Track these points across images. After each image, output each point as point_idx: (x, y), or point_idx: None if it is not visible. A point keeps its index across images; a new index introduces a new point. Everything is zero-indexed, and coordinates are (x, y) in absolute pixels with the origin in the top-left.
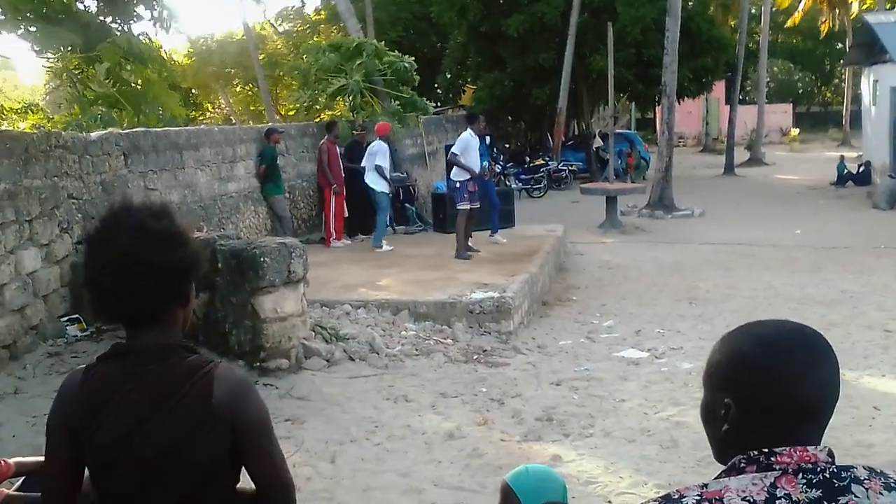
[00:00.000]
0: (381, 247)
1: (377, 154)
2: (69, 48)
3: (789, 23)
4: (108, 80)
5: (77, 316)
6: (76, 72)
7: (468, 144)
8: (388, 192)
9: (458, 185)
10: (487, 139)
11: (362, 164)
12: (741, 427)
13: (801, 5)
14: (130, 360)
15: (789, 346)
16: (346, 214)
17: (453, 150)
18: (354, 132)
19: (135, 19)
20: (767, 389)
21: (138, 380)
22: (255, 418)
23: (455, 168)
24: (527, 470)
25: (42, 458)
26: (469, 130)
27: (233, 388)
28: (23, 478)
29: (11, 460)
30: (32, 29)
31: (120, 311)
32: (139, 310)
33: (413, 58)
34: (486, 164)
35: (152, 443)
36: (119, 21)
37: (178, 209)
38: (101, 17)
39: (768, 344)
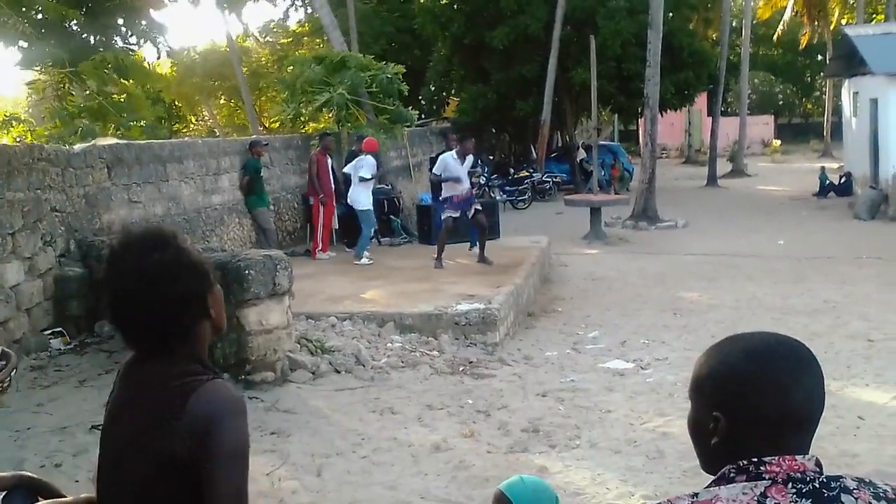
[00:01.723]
0: (362, 259)
1: (363, 167)
2: (52, 63)
3: (778, 35)
4: (89, 94)
5: (60, 329)
6: (60, 84)
7: (447, 165)
8: (369, 208)
9: (442, 199)
10: (470, 158)
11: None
12: (731, 439)
13: (784, 18)
14: (141, 362)
15: (776, 358)
16: (337, 226)
17: (434, 170)
18: (358, 141)
19: (118, 39)
20: (756, 401)
21: (141, 382)
22: (224, 441)
23: (443, 186)
24: (522, 480)
25: (22, 473)
26: (452, 152)
27: (214, 405)
28: (3, 493)
29: None
30: (22, 44)
31: (133, 344)
32: (148, 345)
33: (402, 67)
34: (469, 188)
35: (121, 433)
36: (102, 38)
37: (162, 221)
38: (85, 34)
39: (755, 356)
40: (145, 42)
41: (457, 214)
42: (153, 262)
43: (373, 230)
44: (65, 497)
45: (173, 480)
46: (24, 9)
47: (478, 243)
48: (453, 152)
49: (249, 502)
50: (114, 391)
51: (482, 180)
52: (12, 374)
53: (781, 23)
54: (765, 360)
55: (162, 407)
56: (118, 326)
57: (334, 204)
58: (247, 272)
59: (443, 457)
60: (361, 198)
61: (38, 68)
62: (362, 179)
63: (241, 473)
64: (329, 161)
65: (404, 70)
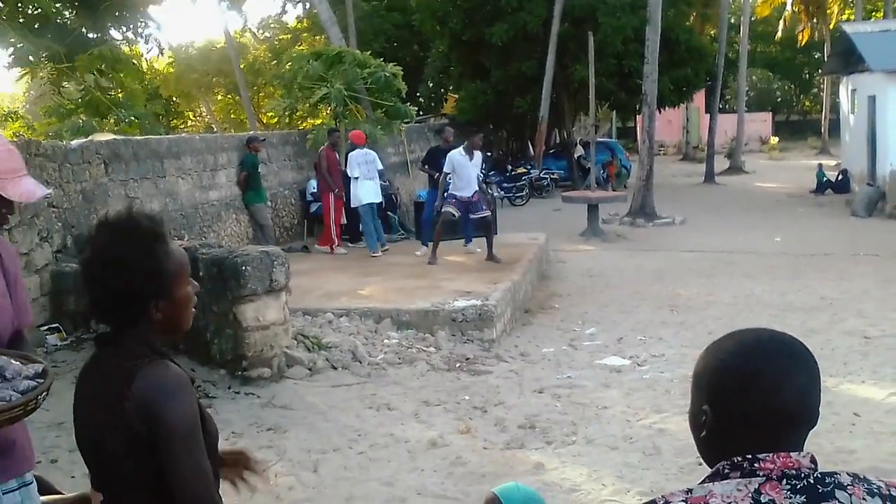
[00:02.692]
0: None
1: (375, 160)
2: (49, 57)
3: (778, 36)
4: (84, 88)
5: (57, 325)
6: (55, 79)
7: (455, 164)
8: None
9: (445, 196)
10: (478, 155)
11: (354, 175)
12: (719, 433)
13: (783, 18)
14: (97, 350)
15: (767, 354)
16: (345, 220)
17: (445, 169)
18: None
19: (113, 31)
20: (743, 396)
21: (94, 369)
22: (170, 423)
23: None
24: (517, 486)
25: None
26: (460, 149)
27: (154, 387)
28: None
29: None
30: (13, 39)
31: (89, 308)
32: (97, 311)
33: (400, 67)
34: (477, 192)
35: (86, 430)
36: (97, 33)
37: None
38: (83, 29)
39: (746, 351)
40: (141, 39)
41: (457, 213)
42: (116, 248)
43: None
44: (61, 493)
45: (141, 454)
46: (19, 4)
47: (473, 240)
48: (461, 149)
49: (245, 498)
50: (77, 389)
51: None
52: (41, 397)
53: (781, 19)
54: (754, 356)
55: (113, 389)
56: (86, 291)
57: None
58: (243, 268)
59: (439, 453)
60: (378, 192)
61: (33, 62)
62: (381, 173)
63: (194, 450)
64: (337, 156)
65: (402, 72)
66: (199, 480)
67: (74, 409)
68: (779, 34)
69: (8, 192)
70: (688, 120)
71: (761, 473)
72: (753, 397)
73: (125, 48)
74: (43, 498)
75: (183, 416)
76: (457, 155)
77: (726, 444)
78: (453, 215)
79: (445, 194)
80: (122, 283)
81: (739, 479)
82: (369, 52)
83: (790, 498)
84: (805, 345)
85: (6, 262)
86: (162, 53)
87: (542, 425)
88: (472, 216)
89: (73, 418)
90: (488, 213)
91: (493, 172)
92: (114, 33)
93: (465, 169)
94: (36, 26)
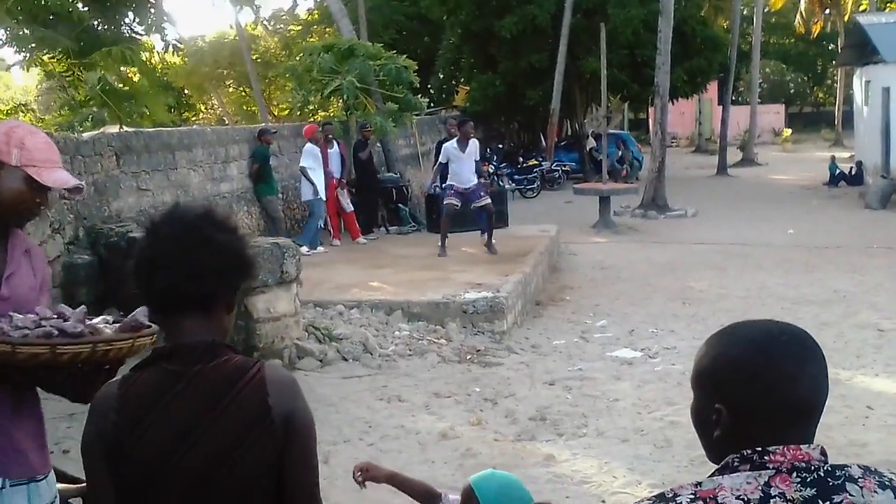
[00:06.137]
0: (305, 249)
1: (304, 156)
2: (61, 52)
3: (798, 29)
4: (98, 84)
5: None
6: (67, 75)
7: (450, 155)
8: (320, 197)
9: (443, 187)
10: (474, 143)
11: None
12: (734, 431)
13: (800, 6)
14: (174, 360)
15: (778, 348)
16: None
17: (440, 160)
18: (364, 129)
19: (126, 28)
20: (759, 392)
21: (186, 382)
22: (306, 419)
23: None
24: (493, 474)
25: None
26: (453, 140)
27: (286, 386)
28: None
29: None
30: (25, 32)
31: (172, 285)
32: (193, 286)
33: (413, 61)
34: (476, 182)
35: (202, 451)
36: (110, 27)
37: None
38: (94, 22)
39: (758, 346)
40: (152, 33)
41: (458, 203)
42: (224, 216)
43: (319, 223)
44: (80, 481)
45: (275, 470)
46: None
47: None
48: (454, 141)
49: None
50: (146, 411)
51: (491, 169)
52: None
53: (797, 13)
54: (769, 349)
55: (245, 402)
56: (163, 265)
57: (334, 192)
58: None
59: (450, 445)
60: (306, 187)
61: (45, 56)
62: (301, 170)
63: (316, 453)
64: (335, 148)
65: (416, 66)
66: (317, 485)
67: (159, 443)
68: (798, 26)
69: (43, 178)
70: (700, 112)
71: (771, 466)
72: (767, 392)
73: (137, 45)
74: (62, 486)
75: (310, 414)
76: (450, 146)
77: (739, 439)
78: (455, 206)
79: (444, 185)
80: (239, 241)
81: (749, 472)
82: (382, 45)
83: (800, 491)
84: (810, 335)
85: (34, 261)
86: (175, 51)
87: (553, 417)
88: (473, 205)
89: (158, 452)
90: (488, 200)
91: (504, 164)
92: (126, 28)
93: (460, 160)
94: (51, 18)
